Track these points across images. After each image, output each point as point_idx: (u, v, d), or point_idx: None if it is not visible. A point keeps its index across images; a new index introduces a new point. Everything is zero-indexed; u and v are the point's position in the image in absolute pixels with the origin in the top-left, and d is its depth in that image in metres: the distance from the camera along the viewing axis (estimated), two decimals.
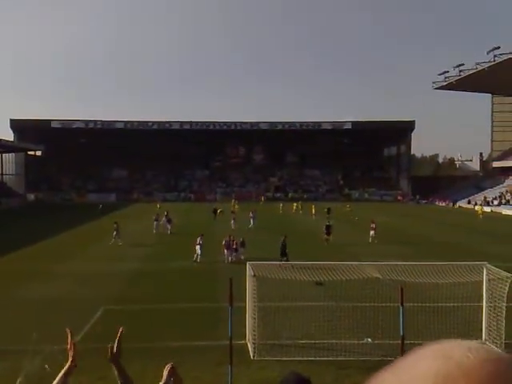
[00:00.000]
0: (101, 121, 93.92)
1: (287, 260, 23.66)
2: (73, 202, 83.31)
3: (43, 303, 18.17)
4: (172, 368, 3.60)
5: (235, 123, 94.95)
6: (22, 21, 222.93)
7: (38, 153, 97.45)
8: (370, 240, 34.13)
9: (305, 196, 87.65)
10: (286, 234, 27.54)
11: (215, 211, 51.03)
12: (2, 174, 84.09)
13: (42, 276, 22.86)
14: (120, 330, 3.33)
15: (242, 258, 25.98)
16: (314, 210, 53.25)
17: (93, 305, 17.70)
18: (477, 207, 67.75)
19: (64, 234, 39.15)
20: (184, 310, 17.44)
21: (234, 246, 27.63)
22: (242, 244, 28.14)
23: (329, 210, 51.17)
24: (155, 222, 40.17)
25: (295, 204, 62.59)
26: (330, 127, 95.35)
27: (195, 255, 27.55)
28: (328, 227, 34.69)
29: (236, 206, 61.29)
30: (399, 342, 12.47)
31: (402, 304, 12.54)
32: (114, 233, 33.42)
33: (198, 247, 27.77)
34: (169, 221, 40.44)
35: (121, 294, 19.56)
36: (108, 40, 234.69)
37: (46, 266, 25.14)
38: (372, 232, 34.40)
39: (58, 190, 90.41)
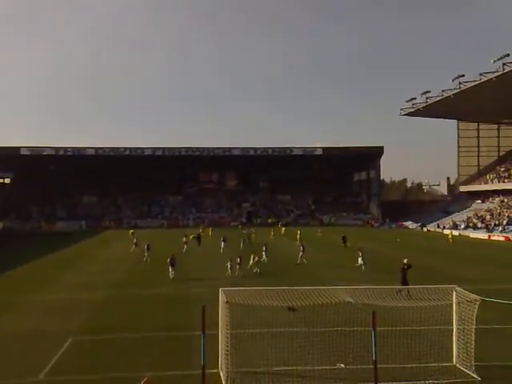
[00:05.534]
0: (71, 147, 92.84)
1: (405, 290, 18.87)
2: (42, 230, 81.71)
3: (9, 335, 17.65)
4: (147, 380, 3.53)
5: (208, 149, 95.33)
6: None
7: (7, 180, 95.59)
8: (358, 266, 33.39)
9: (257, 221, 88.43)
10: (410, 262, 24.71)
11: (199, 237, 50.94)
12: None
13: (8, 307, 22.23)
14: None
15: (171, 277, 29.31)
16: (298, 236, 52.08)
17: (60, 336, 17.25)
18: (446, 231, 69.04)
19: (32, 264, 38.28)
20: (156, 338, 17.15)
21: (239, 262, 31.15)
22: (173, 263, 29.99)
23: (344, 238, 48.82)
24: (134, 247, 43.36)
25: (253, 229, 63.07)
26: (301, 153, 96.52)
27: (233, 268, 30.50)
28: (344, 237, 47.21)
29: (210, 233, 61.52)
30: (372, 366, 12.51)
31: (373, 328, 12.63)
32: None
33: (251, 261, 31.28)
34: (148, 247, 39.08)
35: (89, 324, 19.13)
36: (79, 65, 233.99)
37: (12, 297, 24.48)
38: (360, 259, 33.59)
39: (27, 218, 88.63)
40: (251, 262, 32.10)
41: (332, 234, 62.40)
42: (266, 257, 36.22)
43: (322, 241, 56.85)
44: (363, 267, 32.63)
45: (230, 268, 30.73)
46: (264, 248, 37.39)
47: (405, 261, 24.48)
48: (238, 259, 31.26)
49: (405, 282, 22.29)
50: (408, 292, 17.39)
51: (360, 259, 33.41)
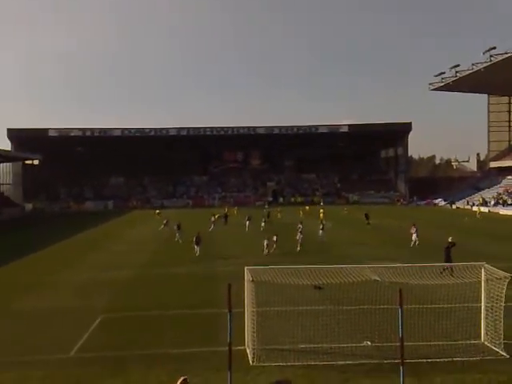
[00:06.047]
0: (98, 129, 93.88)
1: (449, 268, 18.05)
2: (71, 210, 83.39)
3: (41, 314, 18.09)
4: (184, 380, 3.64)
5: (232, 128, 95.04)
6: (22, 28, 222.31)
7: (36, 162, 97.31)
8: (412, 244, 33.13)
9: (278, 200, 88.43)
10: (455, 240, 24.70)
11: (226, 216, 51.38)
12: (0, 184, 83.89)
13: (39, 286, 22.77)
14: None
15: (197, 254, 30.18)
16: (322, 215, 50.61)
17: (91, 314, 17.64)
18: (475, 208, 67.91)
19: (61, 244, 39.09)
20: (183, 316, 17.38)
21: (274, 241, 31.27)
22: (198, 242, 30.82)
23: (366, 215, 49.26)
24: (163, 226, 44.69)
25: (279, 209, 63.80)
26: (326, 131, 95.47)
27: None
28: (366, 214, 48.36)
29: (235, 212, 61.64)
30: (398, 344, 12.44)
31: (400, 306, 12.51)
32: None
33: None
34: (178, 227, 38.60)
35: (119, 302, 19.50)
36: (107, 47, 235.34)
37: (42, 277, 25.07)
38: (414, 236, 33.36)
39: (56, 199, 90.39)
40: (298, 240, 32.02)
41: (358, 211, 61.91)
42: (302, 234, 33.86)
43: (347, 219, 56.60)
44: (417, 243, 32.44)
45: (267, 246, 30.69)
46: (300, 227, 35.35)
47: (449, 239, 24.59)
48: (275, 237, 31.29)
49: (448, 260, 22.43)
50: (451, 270, 17.08)
51: (414, 236, 33.06)
